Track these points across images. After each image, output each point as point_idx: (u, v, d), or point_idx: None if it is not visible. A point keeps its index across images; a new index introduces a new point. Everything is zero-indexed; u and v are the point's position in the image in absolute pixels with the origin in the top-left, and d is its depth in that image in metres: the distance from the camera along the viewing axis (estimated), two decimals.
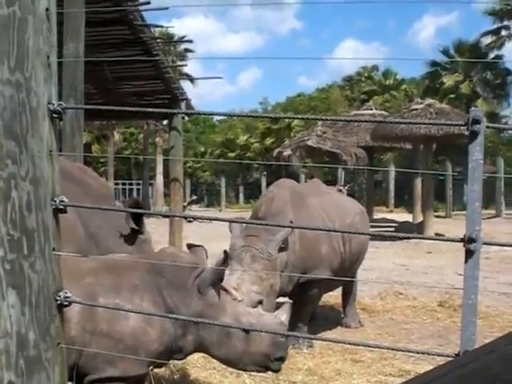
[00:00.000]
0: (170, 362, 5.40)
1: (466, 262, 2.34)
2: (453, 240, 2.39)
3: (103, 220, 6.03)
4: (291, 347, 7.64)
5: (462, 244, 2.36)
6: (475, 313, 2.31)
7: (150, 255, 5.30)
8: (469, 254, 2.32)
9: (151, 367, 4.61)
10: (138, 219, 6.13)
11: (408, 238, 21.61)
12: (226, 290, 4.87)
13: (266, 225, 7.26)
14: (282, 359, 4.86)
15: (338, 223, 8.50)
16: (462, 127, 2.38)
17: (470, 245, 2.30)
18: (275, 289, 7.28)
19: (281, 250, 7.35)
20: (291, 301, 8.01)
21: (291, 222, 7.29)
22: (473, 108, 2.47)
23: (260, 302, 6.75)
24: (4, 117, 2.57)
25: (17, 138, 2.59)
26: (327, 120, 3.24)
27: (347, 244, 8.59)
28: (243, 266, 7.05)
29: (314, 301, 8.54)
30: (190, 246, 5.20)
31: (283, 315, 5.00)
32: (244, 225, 7.65)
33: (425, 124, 24.24)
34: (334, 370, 6.79)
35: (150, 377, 4.64)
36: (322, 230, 4.21)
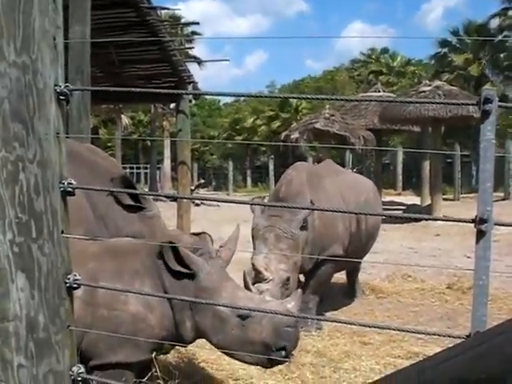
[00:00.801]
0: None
1: (477, 242, 2.31)
2: (464, 221, 2.36)
3: (112, 200, 6.03)
4: (300, 329, 7.69)
5: (470, 227, 2.34)
6: (486, 294, 2.29)
7: (152, 238, 5.29)
8: (480, 234, 2.29)
9: (154, 353, 4.57)
10: (135, 195, 6.12)
11: (420, 219, 21.61)
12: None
13: (283, 206, 7.57)
14: (285, 349, 4.48)
15: (354, 201, 8.76)
16: (472, 108, 2.36)
17: (481, 225, 2.27)
18: (298, 266, 7.57)
19: (302, 228, 7.57)
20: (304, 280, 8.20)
21: (312, 203, 7.38)
22: (485, 87, 2.45)
23: (288, 279, 7.14)
24: (10, 99, 2.55)
25: (24, 120, 2.57)
26: (335, 100, 3.22)
27: (363, 222, 8.80)
28: (268, 246, 7.33)
29: (327, 279, 8.66)
30: (194, 235, 5.04)
31: (291, 303, 4.70)
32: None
33: (436, 103, 23.96)
34: (343, 351, 6.80)
35: (155, 362, 4.61)
36: (338, 211, 4.20)
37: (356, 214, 8.53)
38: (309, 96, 2.92)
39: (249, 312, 4.40)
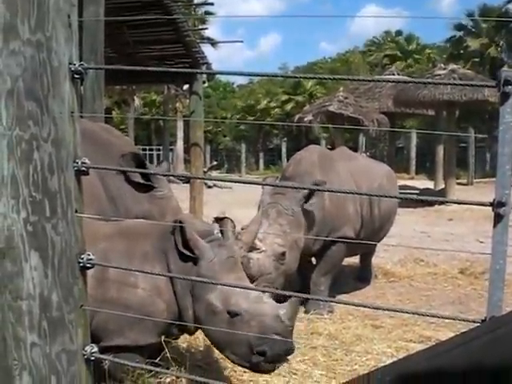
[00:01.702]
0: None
1: (494, 226, 2.28)
2: (482, 204, 2.33)
3: (122, 180, 6.02)
4: (312, 313, 7.71)
5: (483, 212, 2.32)
6: (503, 278, 2.26)
7: (162, 218, 5.27)
8: (498, 218, 2.26)
9: (164, 337, 4.56)
10: (146, 174, 6.09)
11: (433, 203, 21.54)
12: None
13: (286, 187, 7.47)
14: (265, 355, 4.26)
15: (366, 186, 8.74)
16: (487, 92, 2.31)
17: (499, 209, 2.24)
18: (299, 244, 7.65)
19: (306, 206, 7.68)
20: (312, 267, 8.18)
21: (318, 184, 7.38)
22: (504, 68, 2.40)
23: (283, 254, 7.31)
24: (25, 77, 2.54)
25: (38, 98, 2.56)
26: (348, 80, 3.18)
27: (376, 207, 8.76)
28: (269, 221, 7.49)
29: (338, 261, 8.63)
30: (217, 220, 4.97)
31: (283, 309, 4.39)
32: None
33: (454, 84, 23.68)
34: (355, 335, 6.81)
35: (165, 346, 4.61)
36: (347, 192, 4.17)
37: (367, 195, 8.48)
38: (322, 76, 2.89)
39: (239, 310, 4.32)
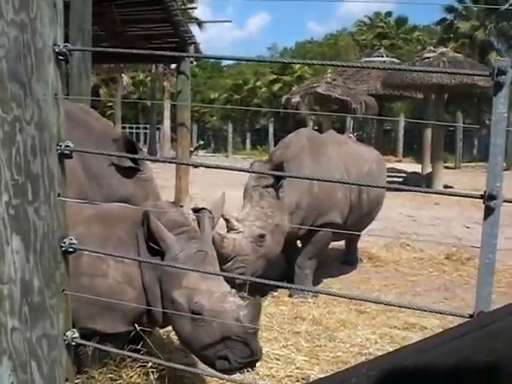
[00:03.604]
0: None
1: (485, 219, 2.25)
2: (473, 196, 2.30)
3: (106, 159, 6.01)
4: (296, 296, 7.70)
5: (471, 197, 2.28)
6: (492, 273, 2.24)
7: (145, 202, 5.19)
8: (488, 211, 2.23)
9: (139, 327, 4.42)
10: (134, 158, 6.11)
11: (426, 192, 21.54)
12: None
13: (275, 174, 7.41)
14: (228, 360, 4.09)
15: (356, 171, 8.71)
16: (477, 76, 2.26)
17: (490, 202, 2.21)
18: (282, 229, 7.60)
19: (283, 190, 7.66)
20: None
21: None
22: (498, 57, 2.36)
23: (262, 236, 7.31)
24: (8, 59, 2.48)
25: (21, 80, 2.51)
26: (336, 66, 3.13)
27: (364, 193, 8.75)
28: (252, 204, 7.52)
29: (324, 246, 8.60)
30: (195, 211, 4.84)
31: (244, 310, 4.15)
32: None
33: (447, 73, 23.59)
34: (339, 320, 6.78)
35: (142, 334, 4.50)
36: (335, 181, 4.14)
37: (356, 184, 8.41)
38: (310, 61, 2.83)
39: (201, 309, 4.14)
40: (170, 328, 5.46)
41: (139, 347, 4.54)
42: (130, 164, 6.11)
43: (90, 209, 4.80)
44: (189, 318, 4.15)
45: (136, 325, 4.44)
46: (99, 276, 4.38)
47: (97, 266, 4.39)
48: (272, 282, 2.85)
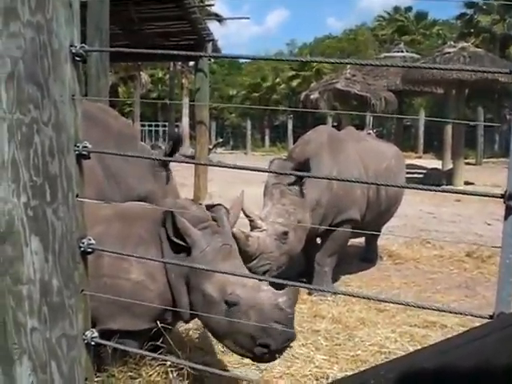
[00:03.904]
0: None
1: (505, 219, 2.21)
2: (493, 196, 2.26)
3: (124, 158, 6.02)
4: (315, 295, 7.69)
5: (491, 196, 2.25)
6: None
7: (162, 205, 5.19)
8: (509, 210, 2.20)
9: (160, 324, 4.44)
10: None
11: (440, 183, 21.43)
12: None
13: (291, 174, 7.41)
14: (268, 347, 4.16)
15: (374, 168, 8.72)
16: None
17: (510, 201, 2.18)
18: (304, 226, 7.60)
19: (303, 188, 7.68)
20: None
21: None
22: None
23: (285, 234, 7.31)
24: (25, 60, 2.49)
25: (38, 82, 2.52)
26: (356, 64, 3.11)
27: (382, 189, 8.73)
28: (273, 201, 7.53)
29: (343, 243, 8.61)
30: (208, 207, 4.83)
31: (283, 297, 4.23)
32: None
33: (468, 71, 23.36)
34: (358, 318, 6.76)
35: (164, 333, 4.54)
36: (354, 181, 4.11)
37: (375, 184, 8.40)
38: (326, 60, 2.80)
39: (237, 300, 4.18)
40: (189, 326, 5.52)
41: (159, 343, 4.56)
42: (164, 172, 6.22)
43: (108, 208, 4.82)
44: (223, 309, 4.18)
45: (158, 322, 4.47)
46: (121, 274, 4.40)
47: (118, 265, 4.41)
48: (291, 283, 2.84)
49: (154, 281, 4.45)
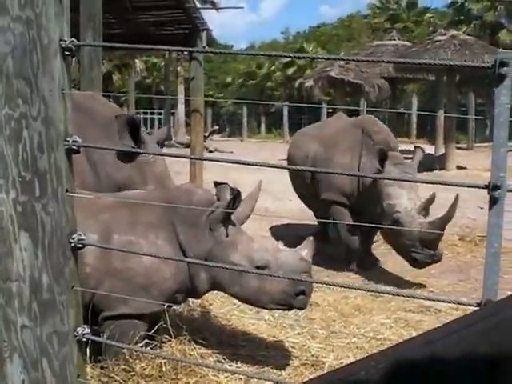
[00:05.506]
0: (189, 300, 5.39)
1: (490, 209, 2.25)
2: (477, 186, 2.29)
3: (108, 146, 5.90)
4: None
5: (484, 177, 2.27)
6: (498, 262, 2.23)
7: (166, 191, 5.22)
8: (493, 201, 2.23)
9: (166, 305, 4.56)
10: (135, 137, 5.97)
11: (433, 168, 21.49)
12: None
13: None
14: (304, 293, 4.67)
15: None
16: (487, 58, 2.25)
17: (494, 192, 2.21)
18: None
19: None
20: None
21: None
22: (500, 50, 2.33)
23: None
24: (14, 55, 2.50)
25: (27, 76, 2.52)
26: (348, 60, 3.12)
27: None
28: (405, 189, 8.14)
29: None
30: (216, 184, 5.05)
31: (304, 250, 4.79)
32: None
33: (449, 65, 23.51)
34: (354, 305, 6.77)
35: (166, 315, 4.60)
36: (350, 174, 4.14)
37: (372, 177, 8.42)
38: (319, 56, 2.82)
39: (266, 262, 4.56)
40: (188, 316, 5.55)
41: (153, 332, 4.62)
42: (129, 143, 5.93)
43: (108, 197, 4.86)
44: (252, 275, 4.52)
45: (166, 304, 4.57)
46: (133, 257, 4.47)
47: (129, 249, 4.46)
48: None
49: (167, 262, 4.54)
